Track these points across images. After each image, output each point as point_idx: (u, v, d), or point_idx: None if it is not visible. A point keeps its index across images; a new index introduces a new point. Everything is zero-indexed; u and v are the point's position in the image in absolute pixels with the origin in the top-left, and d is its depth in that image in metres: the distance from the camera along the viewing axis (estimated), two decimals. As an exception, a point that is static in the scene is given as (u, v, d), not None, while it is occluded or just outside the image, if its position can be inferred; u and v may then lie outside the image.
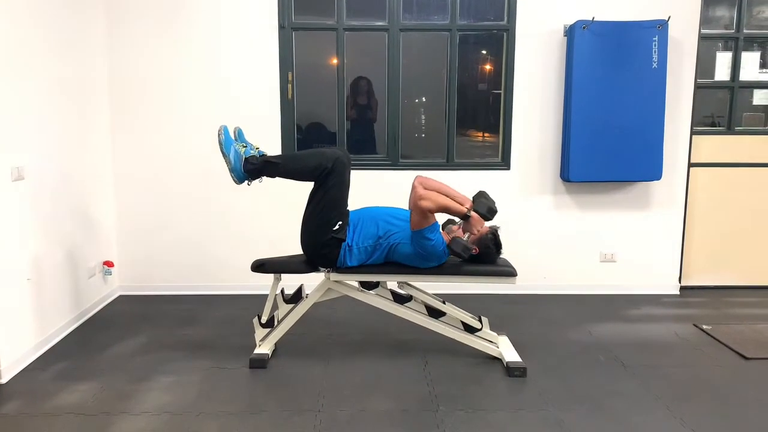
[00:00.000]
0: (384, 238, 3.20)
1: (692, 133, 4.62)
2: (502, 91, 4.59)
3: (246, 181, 3.22)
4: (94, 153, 4.26)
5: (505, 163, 4.62)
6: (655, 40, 4.27)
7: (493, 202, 3.20)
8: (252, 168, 3.16)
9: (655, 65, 4.30)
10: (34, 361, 3.38)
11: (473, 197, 3.23)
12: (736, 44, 4.64)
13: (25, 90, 3.38)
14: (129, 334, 3.81)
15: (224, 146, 3.14)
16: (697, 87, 4.58)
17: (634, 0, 4.39)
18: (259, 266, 3.38)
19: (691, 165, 4.67)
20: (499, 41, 4.56)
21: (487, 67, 4.68)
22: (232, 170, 3.15)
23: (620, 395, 3.02)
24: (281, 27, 4.40)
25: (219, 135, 3.14)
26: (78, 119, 4.01)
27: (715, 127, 4.79)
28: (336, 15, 4.44)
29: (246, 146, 3.22)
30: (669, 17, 4.27)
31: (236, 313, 4.19)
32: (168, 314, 4.20)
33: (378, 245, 3.20)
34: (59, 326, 3.73)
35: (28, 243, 3.40)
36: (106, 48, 4.38)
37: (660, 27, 4.25)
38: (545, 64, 4.51)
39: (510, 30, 4.48)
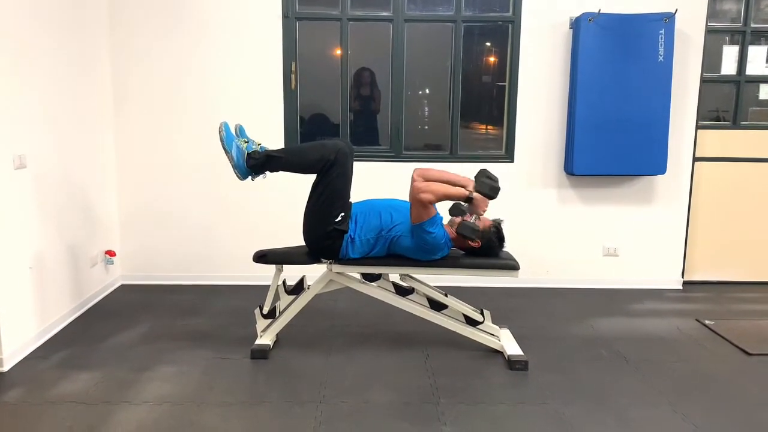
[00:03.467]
0: (386, 231, 3.19)
1: (697, 127, 4.59)
2: (506, 84, 4.57)
3: (249, 177, 3.21)
4: (97, 142, 4.25)
5: (508, 156, 4.60)
6: (661, 33, 4.24)
7: (496, 180, 3.14)
8: (255, 163, 3.14)
9: (661, 58, 4.27)
10: (35, 350, 3.38)
11: (475, 177, 3.17)
12: (743, 38, 4.60)
13: (28, 80, 3.37)
14: (130, 324, 3.81)
15: (225, 143, 3.12)
16: (703, 81, 4.55)
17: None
18: (261, 257, 3.37)
19: (695, 159, 4.64)
20: (504, 33, 4.53)
21: (492, 59, 4.65)
22: (235, 166, 3.14)
23: (622, 390, 3.01)
24: (285, 16, 4.37)
25: (220, 131, 3.13)
26: (81, 109, 3.99)
27: (721, 121, 4.75)
28: (340, 5, 4.41)
29: (248, 142, 3.20)
30: (676, 10, 4.23)
31: (238, 303, 4.19)
32: (170, 304, 4.19)
33: (380, 237, 3.19)
34: (61, 315, 3.73)
35: (29, 231, 3.39)
36: (108, 37, 4.35)
37: (666, 20, 4.21)
38: (550, 57, 4.47)
39: (515, 22, 4.44)
